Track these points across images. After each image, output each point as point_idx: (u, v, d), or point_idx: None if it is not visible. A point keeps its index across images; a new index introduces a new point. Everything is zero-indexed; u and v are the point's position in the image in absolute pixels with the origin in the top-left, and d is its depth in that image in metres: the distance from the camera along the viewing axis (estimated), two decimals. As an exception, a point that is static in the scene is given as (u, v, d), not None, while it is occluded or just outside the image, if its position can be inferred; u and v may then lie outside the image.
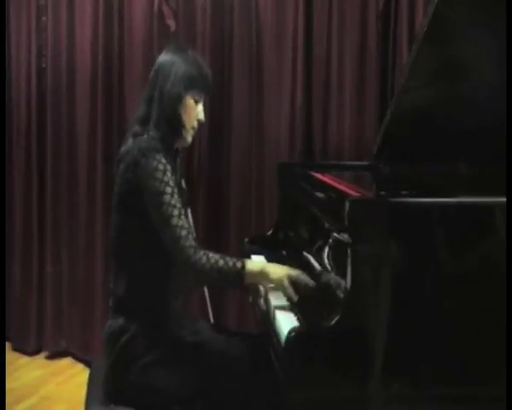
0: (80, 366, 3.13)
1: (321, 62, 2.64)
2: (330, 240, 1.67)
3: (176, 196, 1.59)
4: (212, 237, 2.82)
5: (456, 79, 1.74)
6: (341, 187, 1.71)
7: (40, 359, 3.24)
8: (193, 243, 1.58)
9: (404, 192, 1.50)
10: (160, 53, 1.66)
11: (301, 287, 1.61)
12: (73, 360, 3.19)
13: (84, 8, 3.05)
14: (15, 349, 3.30)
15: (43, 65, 3.17)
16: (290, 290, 1.60)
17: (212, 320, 2.34)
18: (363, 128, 2.58)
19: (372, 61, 2.56)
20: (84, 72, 3.06)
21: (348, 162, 2.45)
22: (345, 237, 1.46)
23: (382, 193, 1.62)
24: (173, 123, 1.69)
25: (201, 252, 1.58)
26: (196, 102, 1.73)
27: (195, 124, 1.75)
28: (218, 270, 1.57)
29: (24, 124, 3.23)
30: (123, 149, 1.70)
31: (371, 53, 2.56)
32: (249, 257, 2.07)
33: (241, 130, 2.78)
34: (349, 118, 2.60)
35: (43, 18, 3.14)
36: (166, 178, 1.58)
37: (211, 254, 1.59)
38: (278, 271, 1.64)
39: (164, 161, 1.59)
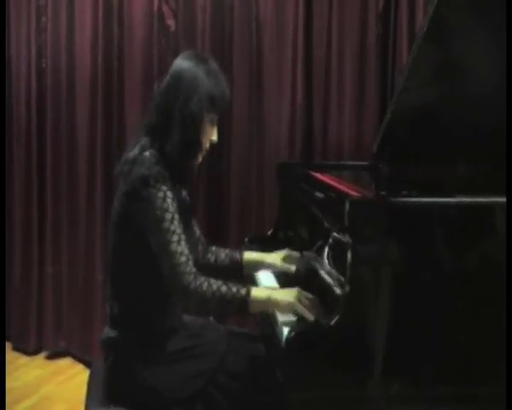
0: (80, 366, 3.13)
1: (321, 62, 2.64)
2: (330, 240, 1.67)
3: (175, 222, 1.53)
4: (212, 236, 2.81)
5: (456, 79, 1.74)
6: (341, 187, 1.71)
7: (40, 358, 3.24)
8: (193, 269, 1.52)
9: (403, 192, 1.50)
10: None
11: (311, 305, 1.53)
12: (73, 360, 3.19)
13: (84, 8, 3.05)
14: (15, 349, 3.30)
15: (43, 65, 3.16)
16: (305, 312, 1.50)
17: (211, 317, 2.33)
18: (363, 128, 2.57)
19: (372, 61, 2.56)
20: (84, 71, 3.06)
21: (348, 162, 2.44)
22: (345, 236, 1.46)
23: (382, 193, 1.62)
24: (194, 146, 1.63)
25: (202, 278, 1.52)
26: (212, 123, 1.66)
27: (208, 145, 1.69)
28: (221, 297, 1.50)
29: (24, 124, 3.23)
30: (126, 156, 1.63)
31: (371, 53, 2.55)
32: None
33: (241, 129, 2.78)
34: (349, 118, 2.60)
35: (43, 18, 3.14)
36: (166, 205, 1.52)
37: (212, 280, 1.52)
38: (287, 296, 1.53)
39: (164, 188, 1.53)
